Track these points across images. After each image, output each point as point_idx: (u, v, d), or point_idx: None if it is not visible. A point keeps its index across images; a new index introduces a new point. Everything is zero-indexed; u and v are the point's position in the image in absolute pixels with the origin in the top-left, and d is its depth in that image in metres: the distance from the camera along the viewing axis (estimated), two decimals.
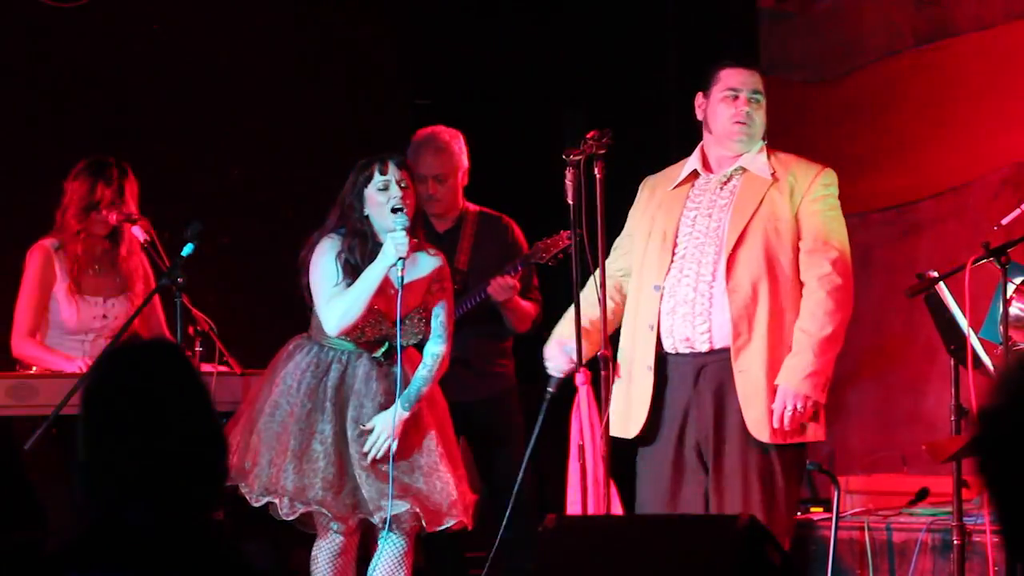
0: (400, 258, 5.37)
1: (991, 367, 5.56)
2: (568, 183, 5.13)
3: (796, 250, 5.33)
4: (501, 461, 6.48)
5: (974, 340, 5.53)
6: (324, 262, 5.51)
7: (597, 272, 5.23)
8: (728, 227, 5.29)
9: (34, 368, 6.04)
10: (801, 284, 5.32)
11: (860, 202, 7.86)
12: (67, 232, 6.15)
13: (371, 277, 5.42)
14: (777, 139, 8.14)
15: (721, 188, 5.37)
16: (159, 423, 2.69)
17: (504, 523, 6.63)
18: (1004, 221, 5.64)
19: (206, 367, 5.84)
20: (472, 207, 6.62)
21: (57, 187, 6.25)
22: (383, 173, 5.49)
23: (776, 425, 5.20)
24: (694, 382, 5.27)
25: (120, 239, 6.21)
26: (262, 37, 7.57)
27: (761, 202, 5.31)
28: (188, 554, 2.67)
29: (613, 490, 5.04)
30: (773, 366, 5.24)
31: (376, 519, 5.44)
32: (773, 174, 5.36)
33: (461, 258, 6.49)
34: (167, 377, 2.74)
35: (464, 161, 6.57)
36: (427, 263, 5.62)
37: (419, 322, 5.58)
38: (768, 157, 5.41)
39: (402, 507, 5.43)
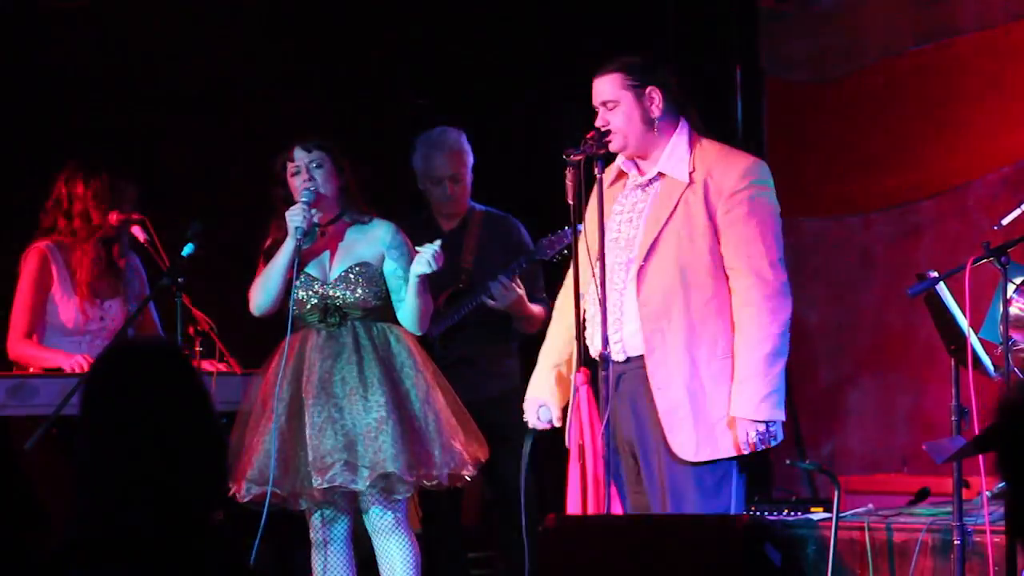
0: (296, 227, 5.55)
1: (991, 367, 5.55)
2: (568, 183, 5.13)
3: (715, 256, 5.18)
4: (504, 460, 6.48)
5: (974, 340, 5.53)
6: (262, 257, 5.76)
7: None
8: (642, 235, 5.21)
9: (31, 368, 6.04)
10: (729, 294, 5.21)
11: (860, 202, 7.87)
12: (66, 234, 6.14)
13: (278, 258, 5.63)
14: (777, 139, 8.18)
15: (643, 191, 5.29)
16: (158, 423, 2.69)
17: (505, 523, 6.65)
18: (1004, 221, 5.63)
19: (206, 367, 5.84)
20: (478, 207, 6.63)
21: (55, 184, 6.25)
22: (291, 160, 5.70)
23: (746, 451, 5.13)
24: (616, 388, 5.18)
25: (118, 241, 6.21)
26: (262, 38, 7.57)
27: (675, 208, 5.19)
28: (188, 554, 2.67)
29: (613, 490, 5.04)
30: (692, 384, 5.14)
31: (316, 481, 5.41)
32: (692, 174, 5.22)
33: (467, 257, 6.51)
34: (167, 377, 2.74)
35: (472, 159, 6.60)
36: (375, 231, 5.71)
37: (355, 280, 5.63)
38: (692, 151, 5.27)
39: (335, 464, 5.41)
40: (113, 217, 6.15)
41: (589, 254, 5.14)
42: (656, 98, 5.28)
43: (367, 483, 5.42)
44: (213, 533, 2.72)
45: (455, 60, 7.86)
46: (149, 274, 6.36)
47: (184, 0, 7.46)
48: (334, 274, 5.66)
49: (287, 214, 5.61)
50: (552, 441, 5.52)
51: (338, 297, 5.63)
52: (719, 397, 5.15)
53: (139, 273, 6.34)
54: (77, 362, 5.94)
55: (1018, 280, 5.48)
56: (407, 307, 5.66)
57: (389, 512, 5.54)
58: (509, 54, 7.91)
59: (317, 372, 5.52)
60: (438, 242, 5.60)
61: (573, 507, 5.02)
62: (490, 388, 6.42)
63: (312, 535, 5.61)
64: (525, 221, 6.66)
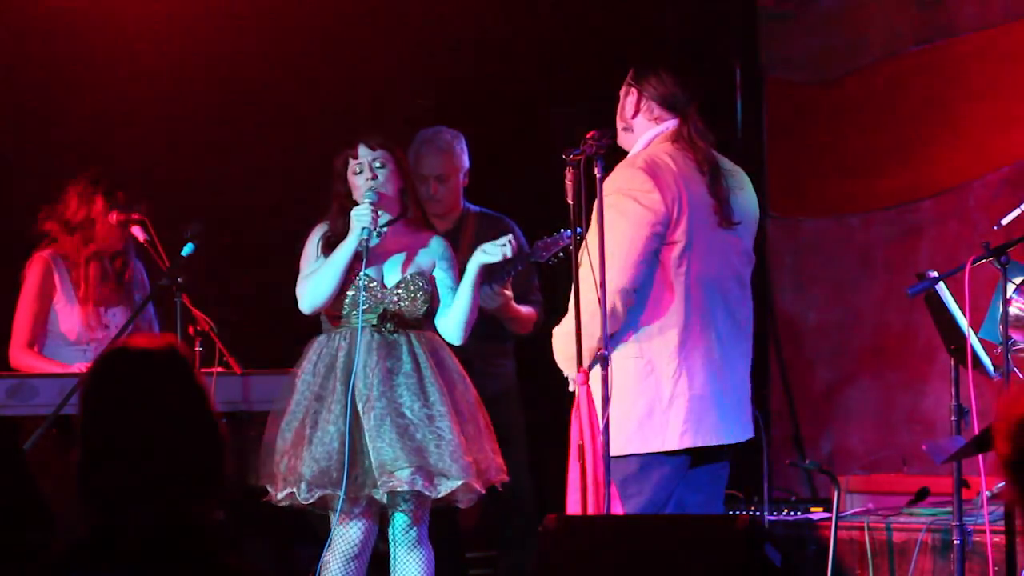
0: (364, 228, 5.44)
1: (991, 367, 5.56)
2: (568, 183, 5.13)
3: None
4: (503, 460, 6.48)
5: (974, 340, 5.53)
6: (308, 246, 5.63)
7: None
8: None
9: None
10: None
11: (860, 202, 7.87)
12: (69, 245, 6.14)
13: (339, 254, 5.50)
14: (777, 139, 8.18)
15: None
16: (158, 423, 2.69)
17: (504, 523, 6.65)
18: (1004, 221, 5.64)
19: (206, 367, 5.84)
20: (473, 208, 6.63)
21: (56, 189, 6.25)
22: (355, 157, 5.59)
23: None
24: None
25: (120, 250, 6.21)
26: (262, 38, 7.57)
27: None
28: (188, 554, 2.67)
29: (613, 490, 5.04)
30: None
31: (381, 491, 5.38)
32: None
33: (461, 258, 6.50)
34: (165, 376, 2.73)
35: (465, 162, 6.58)
36: (428, 240, 5.68)
37: (414, 288, 5.59)
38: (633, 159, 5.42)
39: (403, 475, 5.37)
40: (113, 217, 6.15)
41: (590, 255, 5.15)
42: (631, 98, 5.38)
43: (446, 492, 5.41)
44: (213, 533, 2.72)
45: (455, 60, 7.86)
46: (149, 274, 6.36)
47: (184, 1, 7.45)
48: (393, 280, 5.59)
49: (353, 213, 5.49)
50: (552, 441, 5.52)
51: (397, 303, 5.58)
52: (617, 395, 5.14)
53: (143, 284, 6.33)
54: (78, 368, 5.93)
55: (1018, 280, 5.48)
56: (456, 311, 5.63)
57: (415, 528, 5.52)
58: (510, 54, 7.91)
59: (376, 376, 5.47)
60: (509, 236, 5.58)
61: (573, 507, 5.02)
62: (486, 389, 6.40)
63: (345, 546, 5.48)
64: (524, 223, 6.66)
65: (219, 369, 5.87)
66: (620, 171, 5.27)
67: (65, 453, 5.64)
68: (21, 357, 6.13)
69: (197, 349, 5.89)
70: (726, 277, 5.35)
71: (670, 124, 5.36)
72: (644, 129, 5.37)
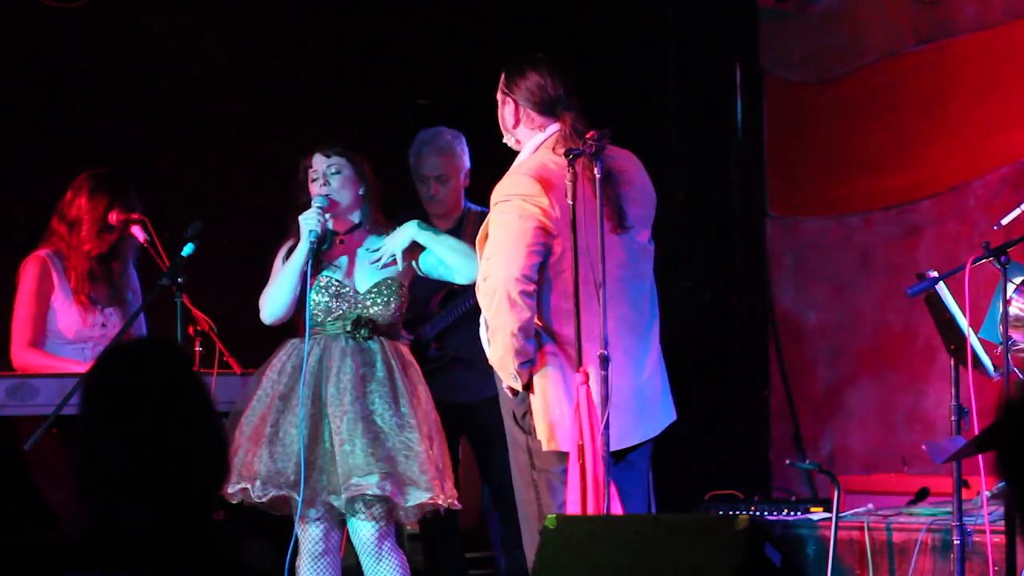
0: (311, 230, 5.50)
1: (991, 367, 5.56)
2: (568, 183, 5.13)
3: None
4: (501, 461, 6.48)
5: (974, 340, 5.53)
6: (276, 262, 5.67)
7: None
8: None
9: None
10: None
11: (860, 202, 7.87)
12: (71, 245, 6.13)
13: (292, 261, 5.56)
14: (777, 139, 8.18)
15: None
16: (158, 422, 2.69)
17: (504, 523, 6.65)
18: (1004, 221, 5.64)
19: (206, 368, 5.84)
20: (474, 208, 6.63)
21: (56, 189, 6.24)
22: (311, 166, 5.65)
23: None
24: None
25: (118, 250, 6.21)
26: (262, 37, 7.57)
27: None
28: (188, 554, 2.67)
29: (613, 490, 5.04)
30: None
31: (342, 498, 5.39)
32: None
33: None
34: (166, 376, 2.73)
35: (466, 162, 6.59)
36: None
37: (388, 293, 5.60)
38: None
39: (372, 479, 5.38)
40: (113, 216, 6.15)
41: (589, 254, 5.14)
42: (508, 108, 5.41)
43: (416, 502, 5.42)
44: (213, 532, 2.72)
45: (455, 60, 7.86)
46: (149, 274, 6.36)
47: (184, 0, 7.45)
48: (366, 286, 5.61)
49: (300, 218, 5.56)
50: None
51: (371, 310, 5.60)
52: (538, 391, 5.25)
53: (136, 291, 6.32)
54: (77, 369, 5.93)
55: (1018, 280, 5.48)
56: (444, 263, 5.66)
57: (383, 539, 5.51)
58: (509, 54, 7.90)
59: (350, 381, 5.49)
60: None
61: (573, 507, 5.01)
62: (486, 388, 6.40)
63: (310, 546, 5.52)
64: None
65: (219, 369, 5.86)
66: (506, 178, 5.27)
67: (65, 453, 5.67)
68: (26, 356, 6.12)
69: (197, 349, 5.89)
70: (623, 279, 5.28)
71: (552, 128, 5.33)
72: (528, 138, 5.36)
